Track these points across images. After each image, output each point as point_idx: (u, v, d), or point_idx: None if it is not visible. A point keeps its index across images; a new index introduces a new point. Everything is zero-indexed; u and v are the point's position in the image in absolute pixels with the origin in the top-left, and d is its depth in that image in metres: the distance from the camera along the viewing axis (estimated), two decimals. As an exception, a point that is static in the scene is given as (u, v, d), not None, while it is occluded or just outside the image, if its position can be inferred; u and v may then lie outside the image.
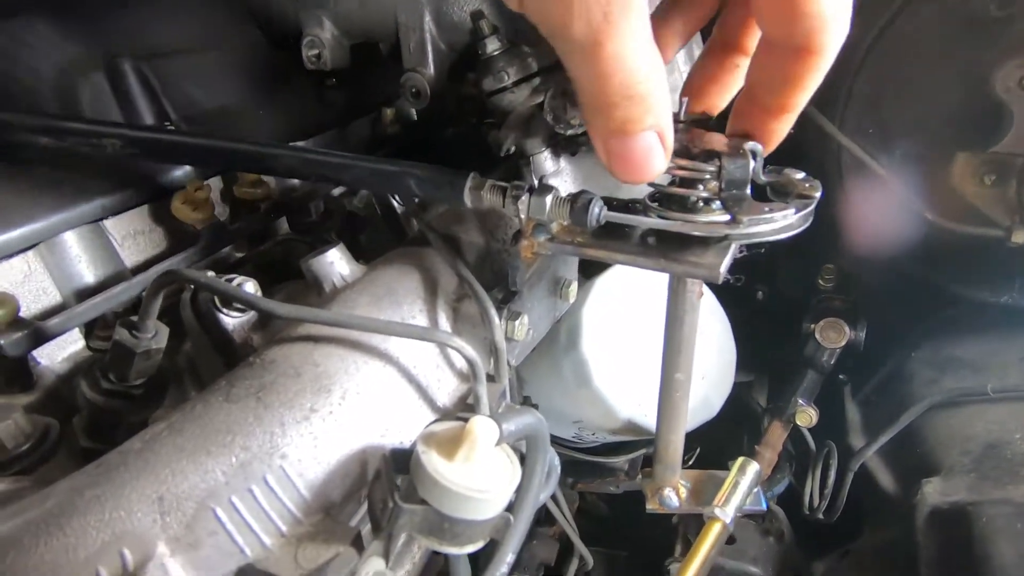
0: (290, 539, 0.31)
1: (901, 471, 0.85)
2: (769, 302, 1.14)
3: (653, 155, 0.33)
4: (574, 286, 0.53)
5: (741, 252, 0.40)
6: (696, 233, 0.37)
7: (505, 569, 0.34)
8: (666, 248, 0.39)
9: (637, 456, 0.90)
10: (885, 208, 0.72)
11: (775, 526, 1.04)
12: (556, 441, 0.87)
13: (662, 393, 0.50)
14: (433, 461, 0.31)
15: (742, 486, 0.52)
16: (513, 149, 0.56)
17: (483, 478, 0.31)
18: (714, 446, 1.09)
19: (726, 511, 0.50)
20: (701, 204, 0.40)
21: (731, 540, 1.01)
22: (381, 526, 0.31)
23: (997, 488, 0.67)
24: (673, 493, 0.54)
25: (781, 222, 0.37)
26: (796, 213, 0.37)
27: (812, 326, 0.93)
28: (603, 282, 0.66)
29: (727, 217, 0.37)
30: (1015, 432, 0.74)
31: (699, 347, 0.69)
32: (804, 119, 0.81)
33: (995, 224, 0.63)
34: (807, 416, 0.92)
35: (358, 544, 0.31)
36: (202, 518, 0.29)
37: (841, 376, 1.08)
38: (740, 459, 0.54)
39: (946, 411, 0.83)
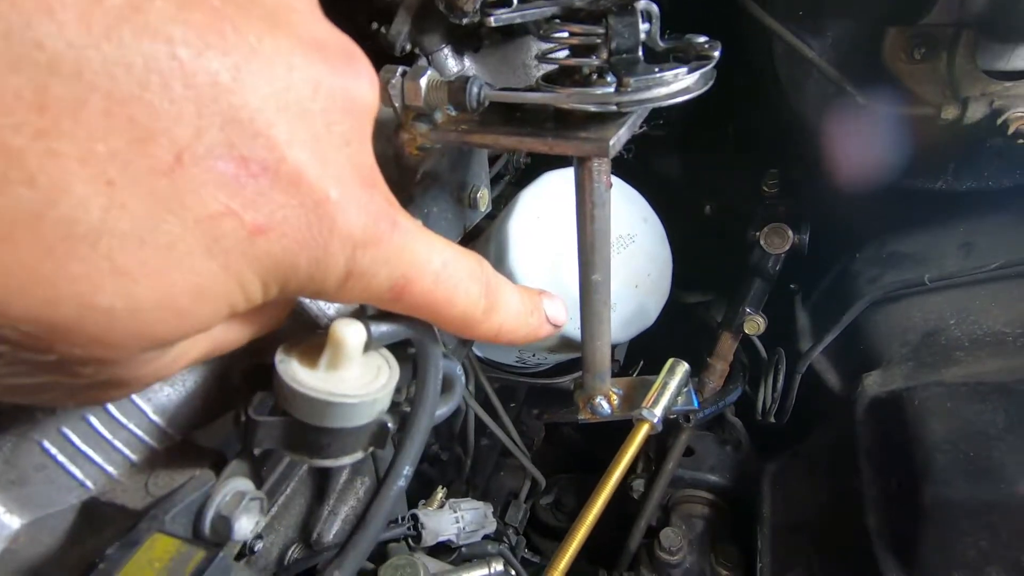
0: (142, 467, 0.28)
1: (845, 369, 0.86)
2: (718, 217, 1.12)
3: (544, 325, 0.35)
4: (484, 193, 0.49)
5: (641, 128, 0.37)
6: (581, 106, 0.34)
7: (403, 483, 0.32)
8: (558, 127, 0.35)
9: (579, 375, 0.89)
10: (820, 98, 0.69)
11: (732, 436, 1.06)
12: (502, 368, 0.86)
13: (582, 299, 0.48)
14: (291, 369, 0.28)
15: (671, 386, 0.50)
16: (409, 47, 0.51)
17: (353, 385, 0.28)
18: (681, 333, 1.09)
19: (654, 412, 0.48)
20: (595, 77, 0.36)
21: (690, 452, 1.03)
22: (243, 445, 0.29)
23: (932, 373, 0.68)
24: (604, 401, 0.52)
25: (676, 84, 0.33)
26: (690, 73, 0.33)
27: (756, 233, 0.91)
28: (529, 195, 0.63)
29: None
30: (950, 319, 0.74)
31: (631, 255, 0.68)
32: (735, 10, 0.77)
33: (926, 102, 0.60)
34: (755, 324, 0.92)
35: (220, 466, 0.28)
36: (24, 452, 0.26)
37: (792, 285, 1.08)
38: (670, 360, 0.52)
39: (886, 306, 0.83)
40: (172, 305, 0.20)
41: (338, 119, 0.22)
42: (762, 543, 0.80)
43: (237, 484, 0.28)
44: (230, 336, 0.25)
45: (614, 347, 0.93)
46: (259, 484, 0.29)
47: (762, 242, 0.90)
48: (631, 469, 1.08)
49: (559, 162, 0.68)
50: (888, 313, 0.82)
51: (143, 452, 0.28)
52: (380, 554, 0.50)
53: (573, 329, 0.65)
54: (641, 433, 0.47)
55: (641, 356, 0.97)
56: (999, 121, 0.58)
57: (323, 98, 0.21)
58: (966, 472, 0.54)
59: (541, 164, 0.70)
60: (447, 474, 0.89)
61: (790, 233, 0.89)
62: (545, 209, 0.62)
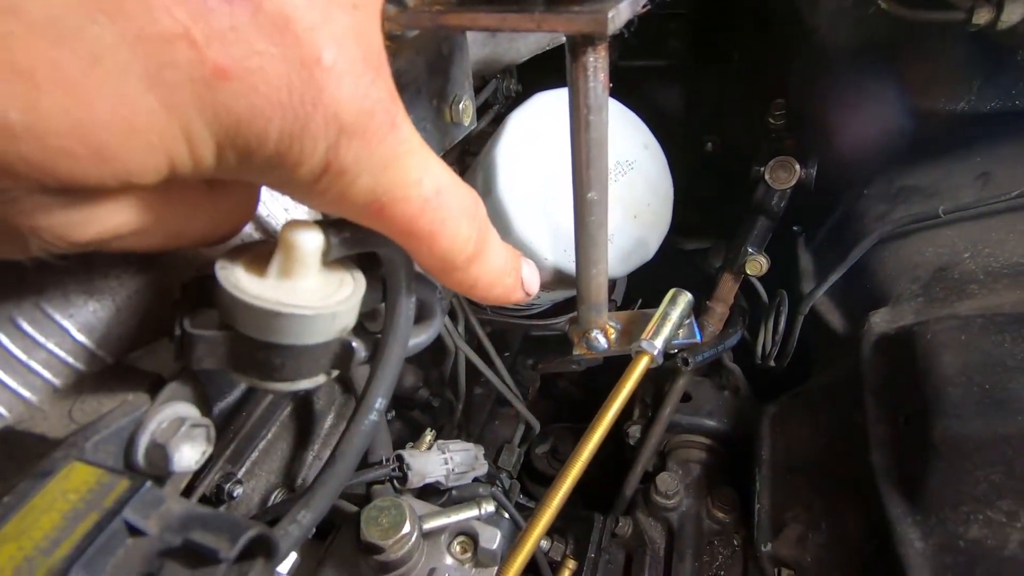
0: (66, 393, 0.24)
1: (850, 309, 0.83)
2: (720, 154, 1.06)
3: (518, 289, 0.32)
4: (467, 104, 0.44)
5: (645, 6, 0.32)
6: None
7: (375, 416, 0.28)
8: (548, 2, 0.30)
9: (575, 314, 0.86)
10: (836, 8, 0.63)
11: (731, 382, 1.04)
12: (497, 311, 0.82)
13: (576, 221, 0.43)
14: (235, 276, 0.24)
15: (672, 317, 0.46)
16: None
17: (308, 297, 0.24)
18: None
19: (654, 343, 0.45)
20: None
21: (687, 398, 1.01)
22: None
23: (945, 307, 0.65)
24: (601, 335, 0.49)
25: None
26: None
27: (761, 168, 0.86)
28: (518, 118, 0.57)
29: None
30: (964, 252, 0.70)
31: (630, 183, 0.63)
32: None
33: (957, 5, 0.55)
34: (757, 264, 0.88)
35: (158, 390, 0.24)
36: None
37: (795, 227, 1.04)
38: (672, 290, 0.48)
39: (895, 243, 0.79)
40: (87, 134, 0.15)
41: None
42: (760, 484, 0.79)
43: (177, 409, 0.24)
44: (171, 222, 0.21)
45: (612, 283, 0.89)
46: (206, 411, 0.26)
47: (767, 177, 0.85)
48: (627, 415, 1.07)
49: (554, 85, 0.63)
50: (897, 250, 0.79)
51: (67, 376, 0.24)
52: (365, 497, 0.47)
53: (568, 261, 0.61)
54: (640, 366, 0.44)
55: (640, 299, 0.93)
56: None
57: None
58: (980, 405, 0.51)
59: (534, 89, 0.64)
60: (439, 421, 0.86)
61: (797, 167, 0.84)
62: (536, 132, 0.57)
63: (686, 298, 0.48)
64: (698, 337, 0.48)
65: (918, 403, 0.56)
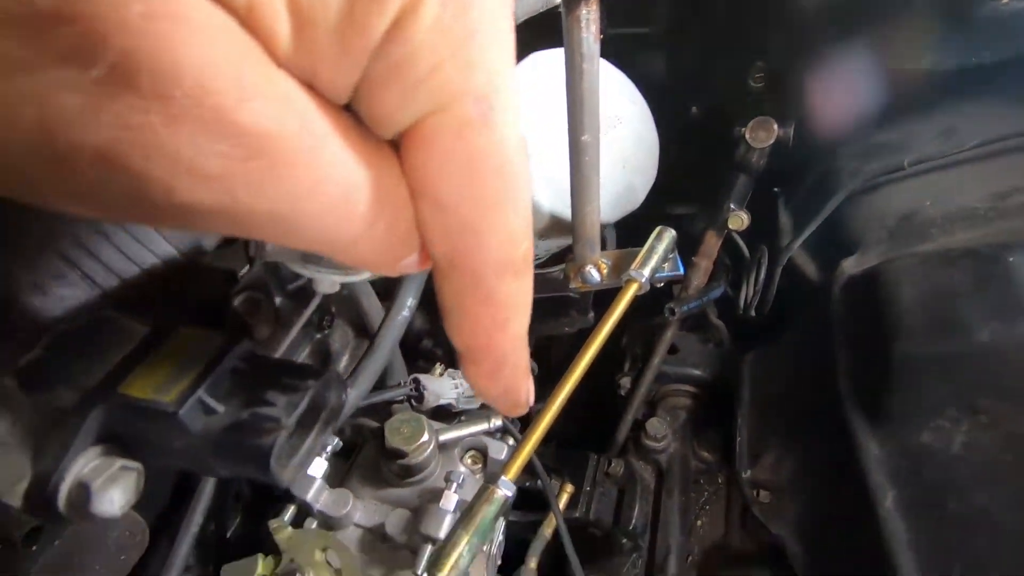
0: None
1: (824, 259, 0.89)
2: (705, 120, 1.11)
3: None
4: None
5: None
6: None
7: (406, 312, 0.34)
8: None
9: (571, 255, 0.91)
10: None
11: (715, 336, 1.11)
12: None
13: (572, 163, 0.48)
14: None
15: (658, 251, 0.52)
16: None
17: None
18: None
19: (642, 272, 0.50)
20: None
21: (674, 350, 1.08)
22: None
23: (906, 248, 0.71)
24: (594, 269, 0.54)
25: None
26: None
27: (741, 129, 0.92)
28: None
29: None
30: (926, 200, 0.76)
31: (619, 136, 0.68)
32: None
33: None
34: (739, 219, 0.94)
35: (232, 284, 0.29)
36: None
37: (775, 189, 1.10)
38: (657, 228, 0.54)
39: (865, 196, 0.85)
40: None
41: None
42: (741, 421, 0.86)
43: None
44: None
45: (602, 233, 0.94)
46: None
47: (747, 136, 0.91)
48: (618, 367, 1.13)
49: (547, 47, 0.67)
50: (867, 202, 0.85)
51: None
52: (386, 414, 0.53)
53: (563, 208, 0.66)
54: (629, 293, 0.49)
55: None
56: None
57: None
58: (932, 328, 0.58)
59: (526, 52, 0.68)
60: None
61: (775, 126, 0.89)
62: (531, 88, 0.62)
63: (670, 234, 0.54)
64: (681, 270, 0.54)
65: (880, 332, 0.63)
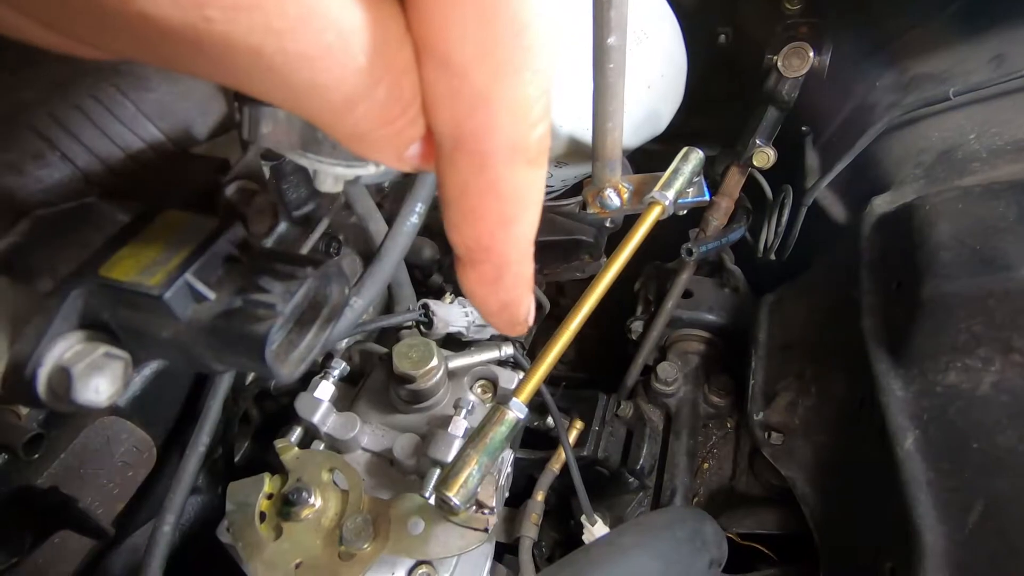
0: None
1: (853, 199, 0.85)
2: (734, 48, 1.04)
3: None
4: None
5: None
6: None
7: (415, 219, 0.31)
8: None
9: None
10: None
11: (731, 281, 1.08)
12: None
13: (595, 68, 0.44)
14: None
15: (684, 172, 0.49)
16: None
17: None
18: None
19: (666, 194, 0.47)
20: None
21: (688, 294, 1.05)
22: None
23: (945, 183, 0.67)
24: (614, 193, 0.51)
25: None
26: None
27: (774, 57, 0.86)
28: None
29: None
30: (970, 134, 0.71)
31: (645, 53, 0.63)
32: None
33: None
34: (764, 156, 0.89)
35: (224, 171, 0.27)
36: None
37: (804, 127, 1.04)
38: (684, 148, 0.50)
39: (902, 130, 0.80)
40: None
41: None
42: (756, 363, 0.84)
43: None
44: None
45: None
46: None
47: (780, 64, 0.85)
48: (630, 311, 1.11)
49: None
50: (903, 137, 0.79)
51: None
52: (395, 341, 0.51)
53: (583, 129, 0.62)
54: (651, 216, 0.46)
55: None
56: None
57: None
58: (970, 264, 0.55)
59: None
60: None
61: (811, 54, 0.83)
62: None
63: (698, 155, 0.50)
64: (707, 195, 0.51)
65: (911, 269, 0.59)
